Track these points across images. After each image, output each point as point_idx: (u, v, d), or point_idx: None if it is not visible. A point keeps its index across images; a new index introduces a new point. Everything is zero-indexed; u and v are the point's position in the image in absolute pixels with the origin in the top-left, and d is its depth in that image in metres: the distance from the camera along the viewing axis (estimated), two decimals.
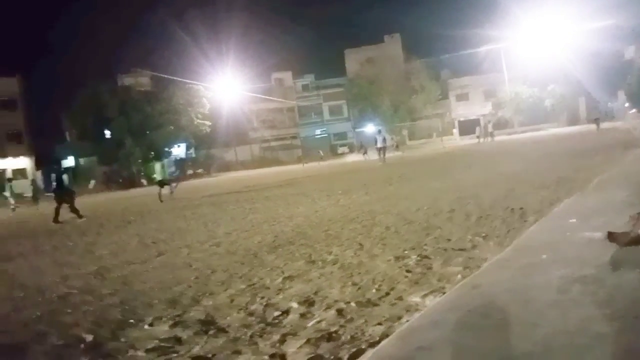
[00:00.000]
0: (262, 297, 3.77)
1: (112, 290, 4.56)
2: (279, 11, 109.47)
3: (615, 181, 7.06)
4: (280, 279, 4.23)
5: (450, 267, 3.92)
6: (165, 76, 42.36)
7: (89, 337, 3.31)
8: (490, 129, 38.50)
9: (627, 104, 48.54)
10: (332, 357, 2.58)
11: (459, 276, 3.62)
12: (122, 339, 3.23)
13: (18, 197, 22.21)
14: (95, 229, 10.44)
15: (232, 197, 15.10)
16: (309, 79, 62.98)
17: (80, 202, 14.10)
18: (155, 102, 43.16)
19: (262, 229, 7.29)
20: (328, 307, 3.36)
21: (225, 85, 47.28)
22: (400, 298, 3.35)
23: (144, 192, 26.82)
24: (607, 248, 3.43)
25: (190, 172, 47.59)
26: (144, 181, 42.84)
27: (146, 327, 3.42)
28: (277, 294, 3.83)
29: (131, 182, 41.21)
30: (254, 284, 4.18)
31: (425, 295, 3.30)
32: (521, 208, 6.07)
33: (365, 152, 36.86)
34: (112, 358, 2.95)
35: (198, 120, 45.26)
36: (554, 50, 41.89)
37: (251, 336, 3.02)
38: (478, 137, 39.41)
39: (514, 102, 49.25)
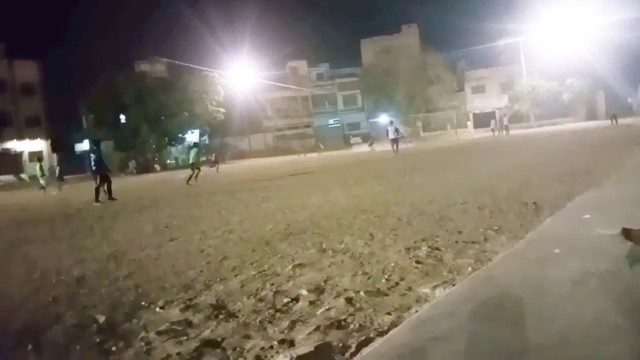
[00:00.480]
0: (273, 284, 3.80)
1: (126, 274, 4.63)
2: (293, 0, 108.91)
3: (629, 177, 6.97)
4: (290, 267, 4.25)
5: (462, 259, 3.91)
6: (181, 63, 42.55)
7: (102, 319, 3.37)
8: (505, 123, 38.07)
9: None
10: (340, 344, 2.60)
11: (470, 268, 3.61)
12: (135, 321, 3.29)
13: (46, 177, 22.74)
14: (112, 213, 10.57)
15: (245, 185, 15.17)
16: (323, 68, 62.73)
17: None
18: (170, 90, 43.42)
19: (274, 217, 7.32)
20: (338, 296, 3.37)
21: (240, 73, 47.33)
22: (410, 289, 3.35)
23: (160, 178, 27.03)
24: (622, 244, 3.39)
25: (203, 159, 47.90)
26: (158, 167, 43.24)
27: (158, 310, 3.47)
28: (288, 281, 3.86)
29: (146, 168, 41.64)
30: (264, 271, 4.22)
31: (435, 287, 3.30)
32: (534, 203, 6.01)
33: (371, 144, 35.97)
34: (124, 339, 3.00)
35: (212, 108, 45.42)
36: (574, 43, 41.20)
37: (261, 322, 3.05)
38: (493, 130, 39.03)
39: (531, 95, 48.59)
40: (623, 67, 40.26)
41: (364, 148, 40.46)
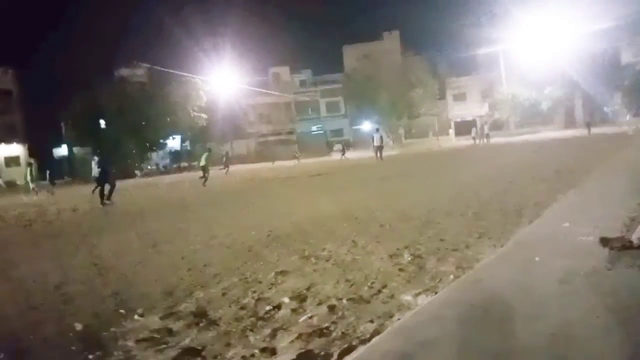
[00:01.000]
0: (255, 291, 3.77)
1: (105, 281, 4.54)
2: (277, 5, 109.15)
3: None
4: (273, 274, 4.22)
5: (444, 266, 3.92)
6: (163, 69, 42.19)
7: (81, 326, 3.30)
8: (486, 131, 38.56)
9: (625, 110, 48.64)
10: (322, 352, 2.58)
11: (452, 276, 3.63)
12: (113, 329, 3.22)
13: (35, 181, 22.34)
14: (91, 219, 10.40)
15: (229, 191, 15.08)
16: (306, 74, 62.86)
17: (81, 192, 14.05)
18: (153, 101, 42.99)
19: (257, 223, 7.27)
20: (320, 303, 3.36)
21: (222, 79, 47.14)
22: (392, 296, 3.35)
23: (141, 183, 26.72)
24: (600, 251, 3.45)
25: (185, 164, 47.51)
26: (138, 172, 42.74)
27: (137, 317, 3.41)
28: (270, 288, 3.83)
29: (125, 173, 41.09)
30: (246, 278, 4.18)
31: (417, 294, 3.31)
32: (517, 206, 6.08)
33: (343, 152, 35.68)
34: (102, 347, 2.94)
35: (194, 114, 45.13)
36: (552, 52, 41.96)
37: (242, 330, 3.02)
38: (474, 138, 39.48)
39: (511, 103, 49.34)
40: (600, 76, 41.08)
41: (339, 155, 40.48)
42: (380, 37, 60.77)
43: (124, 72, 48.60)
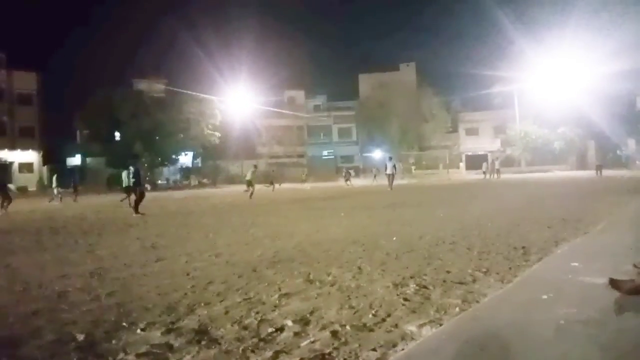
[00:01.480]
0: (258, 312, 3.75)
1: (109, 292, 4.55)
2: (295, 31, 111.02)
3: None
4: (277, 295, 4.20)
5: (449, 298, 3.89)
6: (178, 90, 42.88)
7: (82, 336, 3.29)
8: (497, 166, 38.51)
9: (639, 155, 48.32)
10: None
11: (457, 309, 3.59)
12: (114, 341, 3.21)
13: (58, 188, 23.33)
14: (98, 230, 10.45)
15: (235, 209, 15.10)
16: (321, 99, 63.49)
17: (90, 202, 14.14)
18: (167, 109, 43.56)
19: (262, 244, 7.27)
20: (323, 328, 3.33)
21: (237, 98, 47.73)
22: (396, 325, 3.32)
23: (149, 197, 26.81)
24: (609, 293, 3.40)
25: (195, 182, 47.74)
26: (148, 186, 42.98)
27: (139, 331, 3.40)
28: (273, 310, 3.80)
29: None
30: (250, 298, 4.16)
31: (422, 325, 3.27)
32: (523, 247, 6.03)
33: (347, 179, 35.53)
34: (103, 359, 2.93)
35: (208, 131, 45.57)
36: (567, 92, 42.12)
37: (244, 350, 3.00)
38: (484, 172, 39.42)
39: (523, 141, 49.35)
40: (615, 118, 41.08)
41: (355, 182, 40.44)
42: (397, 68, 61.41)
43: (141, 85, 49.38)
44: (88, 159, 52.68)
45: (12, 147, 46.99)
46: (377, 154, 53.62)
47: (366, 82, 61.02)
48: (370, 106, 55.85)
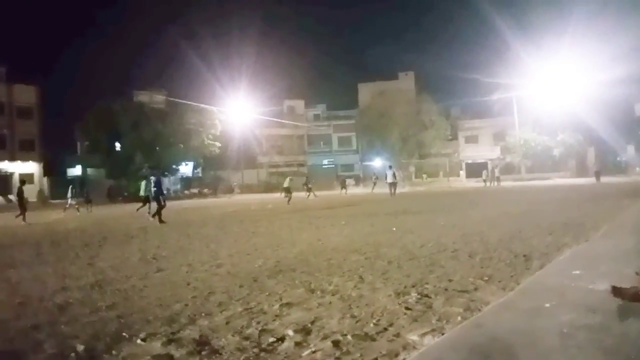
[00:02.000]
0: (259, 322, 3.73)
1: (109, 303, 4.53)
2: (294, 40, 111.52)
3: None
4: (278, 305, 4.19)
5: (451, 307, 3.87)
6: (179, 101, 43.02)
7: (82, 348, 3.27)
8: (497, 174, 38.55)
9: (638, 160, 48.34)
10: None
11: (459, 317, 3.57)
12: (115, 353, 3.20)
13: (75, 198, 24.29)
14: (98, 241, 10.43)
15: (236, 218, 15.08)
16: (320, 108, 63.63)
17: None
18: (167, 120, 43.64)
19: (264, 253, 7.25)
20: (325, 338, 3.31)
21: (237, 108, 47.85)
22: (398, 335, 3.30)
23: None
24: (612, 300, 3.39)
25: (195, 191, 47.70)
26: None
27: (140, 342, 3.39)
28: (274, 320, 3.79)
29: (136, 198, 41.28)
30: (251, 308, 4.14)
31: (424, 334, 3.26)
32: (525, 254, 6.01)
33: (343, 187, 35.52)
34: None
35: (208, 141, 45.61)
36: (566, 99, 42.24)
37: None
38: (484, 180, 39.43)
39: (523, 148, 49.40)
40: (614, 125, 41.15)
41: (353, 190, 40.49)
42: (396, 77, 61.63)
43: (141, 96, 49.50)
44: (88, 170, 52.67)
45: (13, 158, 47.04)
46: (377, 163, 53.63)
47: (365, 91, 61.19)
48: (369, 115, 55.94)
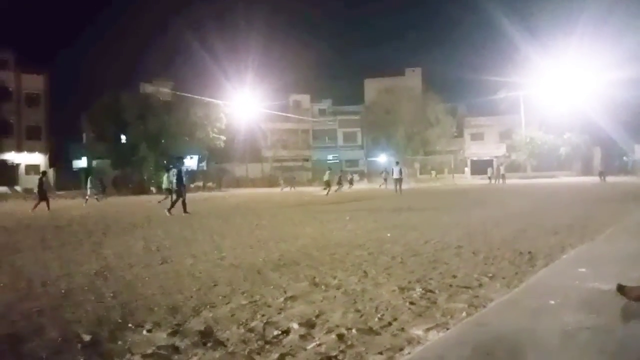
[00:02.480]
0: (263, 315, 3.75)
1: (114, 292, 4.56)
2: (301, 35, 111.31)
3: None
4: (282, 298, 4.20)
5: (455, 303, 3.87)
6: (185, 94, 43.04)
7: (88, 336, 3.30)
8: (502, 171, 38.40)
9: None
10: None
11: (464, 313, 3.58)
12: (120, 342, 3.22)
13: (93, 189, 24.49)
14: (102, 230, 10.49)
15: (239, 211, 15.12)
16: (326, 103, 63.50)
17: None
18: (173, 112, 43.67)
19: (267, 246, 7.27)
20: (329, 331, 3.32)
21: (242, 102, 47.83)
22: (402, 329, 3.31)
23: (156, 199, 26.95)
24: (617, 300, 3.38)
25: (199, 184, 47.77)
26: (153, 189, 43.02)
27: (145, 332, 3.41)
28: (279, 312, 3.80)
29: (141, 188, 41.42)
30: (255, 301, 4.16)
31: (428, 329, 3.26)
32: (529, 252, 6.00)
33: (339, 182, 34.13)
34: (108, 359, 2.93)
35: (214, 134, 45.62)
36: (573, 98, 42.00)
37: (249, 352, 2.99)
38: (490, 178, 39.30)
39: (529, 146, 49.19)
40: (621, 125, 40.82)
41: (359, 185, 40.38)
42: (402, 73, 61.41)
43: (147, 87, 49.51)
44: (94, 161, 52.86)
45: (19, 149, 47.25)
46: (382, 159, 53.54)
47: (372, 87, 60.98)
48: (375, 111, 55.79)
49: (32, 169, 47.86)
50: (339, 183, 30.84)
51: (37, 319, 3.72)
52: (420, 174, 55.71)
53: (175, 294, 4.46)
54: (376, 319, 3.53)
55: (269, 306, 3.99)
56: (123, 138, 44.19)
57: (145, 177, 43.86)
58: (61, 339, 3.27)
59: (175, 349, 3.09)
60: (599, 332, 2.88)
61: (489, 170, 40.48)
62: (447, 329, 3.20)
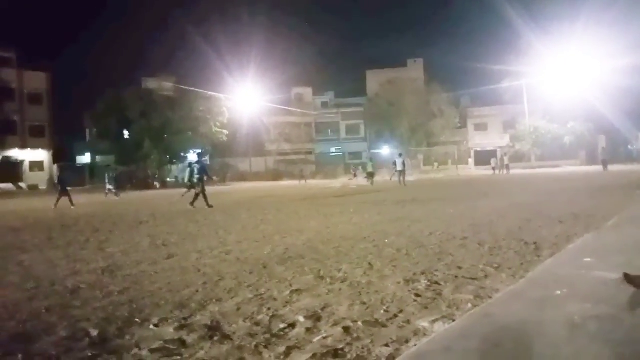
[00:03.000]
0: (269, 308, 3.76)
1: (121, 288, 4.58)
2: (303, 28, 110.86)
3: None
4: (288, 292, 4.21)
5: (461, 294, 3.87)
6: (187, 88, 43.05)
7: (95, 332, 3.32)
8: (506, 162, 38.31)
9: None
10: None
11: (470, 305, 3.58)
12: (128, 337, 3.23)
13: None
14: (109, 227, 10.53)
15: (244, 206, 15.15)
16: (329, 96, 63.39)
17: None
18: (176, 108, 43.73)
19: (272, 240, 7.29)
20: (335, 324, 3.33)
21: (245, 96, 47.80)
22: (408, 321, 3.31)
23: (160, 194, 27.09)
24: (624, 289, 3.37)
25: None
26: (157, 184, 43.14)
27: (152, 327, 3.42)
28: (285, 306, 3.81)
29: (145, 184, 41.55)
30: (261, 294, 4.17)
31: (434, 321, 3.26)
32: (535, 242, 5.99)
33: (355, 175, 35.21)
34: (116, 355, 2.95)
35: (217, 129, 45.66)
36: (577, 87, 41.76)
37: (256, 346, 3.00)
38: (494, 168, 39.24)
39: (533, 136, 48.99)
40: (626, 113, 40.61)
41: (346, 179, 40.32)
42: (405, 64, 61.18)
43: (150, 83, 49.53)
44: (97, 158, 53.01)
45: (23, 146, 47.42)
46: (386, 151, 53.46)
47: (374, 79, 60.82)
48: (378, 103, 55.69)
49: (36, 165, 48.09)
50: (370, 174, 30.11)
51: (46, 318, 3.74)
52: (424, 165, 55.65)
53: (181, 289, 4.48)
54: (382, 311, 3.54)
55: (275, 300, 4.00)
56: (126, 134, 44.29)
57: (149, 173, 43.98)
58: (69, 337, 3.29)
59: (183, 343, 3.10)
60: (606, 322, 2.87)
61: (493, 160, 40.40)
62: (453, 321, 3.20)
